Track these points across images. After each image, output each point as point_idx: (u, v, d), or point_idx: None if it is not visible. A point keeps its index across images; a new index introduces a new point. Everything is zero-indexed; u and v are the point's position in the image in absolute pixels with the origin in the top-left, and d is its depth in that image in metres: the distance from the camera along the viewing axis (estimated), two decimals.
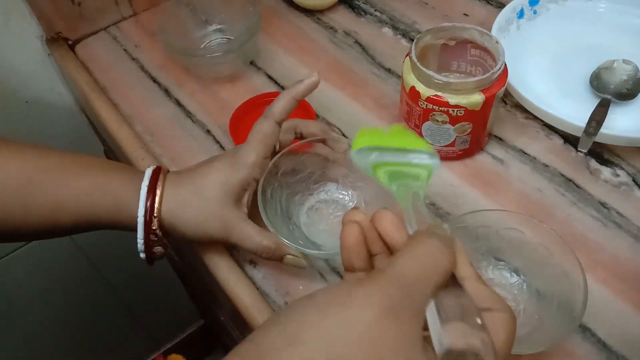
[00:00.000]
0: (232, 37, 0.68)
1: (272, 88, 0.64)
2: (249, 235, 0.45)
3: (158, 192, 0.44)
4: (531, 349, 0.39)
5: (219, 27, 0.69)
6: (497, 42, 0.50)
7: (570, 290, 0.42)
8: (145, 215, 0.44)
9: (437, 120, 0.51)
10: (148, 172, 0.46)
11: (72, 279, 0.98)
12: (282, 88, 0.64)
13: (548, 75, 0.61)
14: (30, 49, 0.70)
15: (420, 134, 0.53)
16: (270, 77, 0.65)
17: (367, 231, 0.32)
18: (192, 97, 0.64)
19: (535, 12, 0.66)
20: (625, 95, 0.57)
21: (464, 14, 0.70)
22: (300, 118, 0.50)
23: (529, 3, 0.65)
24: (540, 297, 0.45)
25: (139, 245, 0.46)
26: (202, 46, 0.68)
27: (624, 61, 0.59)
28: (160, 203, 0.44)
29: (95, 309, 1.08)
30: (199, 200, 0.45)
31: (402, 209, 0.34)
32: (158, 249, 0.46)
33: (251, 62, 0.67)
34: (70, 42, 0.71)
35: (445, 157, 0.54)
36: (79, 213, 0.45)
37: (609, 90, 0.57)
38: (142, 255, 0.47)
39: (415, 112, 0.52)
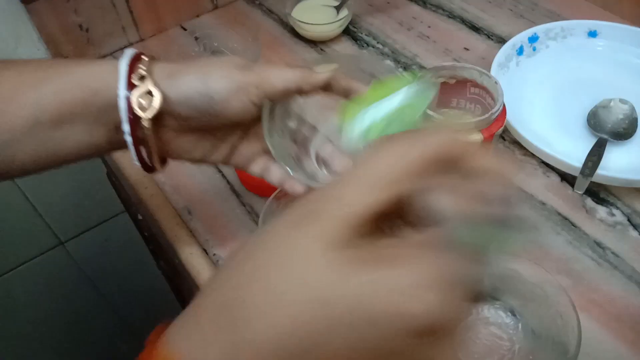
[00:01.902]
0: None
1: None
2: (273, 71, 0.38)
3: (141, 66, 0.38)
4: None
5: (221, 53, 0.70)
6: (496, 82, 0.52)
7: (565, 331, 0.43)
8: (127, 86, 0.37)
9: None
10: (127, 52, 0.39)
11: (70, 294, 0.99)
12: None
13: (546, 112, 0.62)
14: None
15: None
16: None
17: None
18: None
19: (534, 49, 0.67)
20: (621, 135, 0.58)
21: (465, 48, 0.72)
22: None
23: (528, 40, 0.67)
24: (535, 337, 0.45)
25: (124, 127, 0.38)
26: None
27: (621, 100, 0.60)
28: (146, 72, 0.37)
29: (90, 322, 1.08)
30: (199, 71, 0.38)
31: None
32: (146, 132, 0.38)
33: None
34: None
35: None
36: (39, 106, 0.37)
37: (606, 129, 0.58)
38: (134, 154, 0.40)
39: None
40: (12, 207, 0.82)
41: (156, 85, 0.37)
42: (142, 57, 0.39)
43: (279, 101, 0.40)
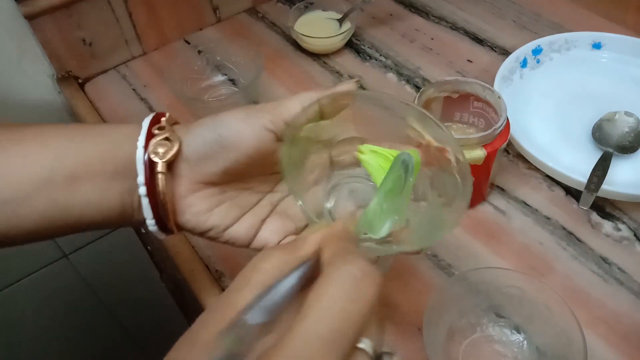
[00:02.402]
0: (235, 78, 0.69)
1: None
2: (289, 99, 0.38)
3: (162, 119, 0.38)
4: None
5: (223, 66, 0.71)
6: (499, 97, 0.51)
7: (570, 349, 0.42)
8: (145, 145, 0.37)
9: None
10: (146, 120, 0.39)
11: (73, 307, 0.98)
12: None
13: (550, 125, 0.62)
14: (41, 87, 0.72)
15: None
16: None
17: None
18: None
19: (538, 62, 0.67)
20: (627, 149, 0.57)
21: (468, 60, 0.71)
22: None
23: (532, 52, 0.66)
24: (540, 355, 0.45)
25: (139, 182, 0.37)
26: (203, 85, 0.69)
27: (626, 113, 0.60)
28: (166, 123, 0.38)
29: (93, 333, 1.08)
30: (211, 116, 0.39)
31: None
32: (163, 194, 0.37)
33: (254, 102, 0.68)
34: (80, 81, 0.73)
35: None
36: (55, 162, 0.37)
37: (611, 143, 0.58)
38: (152, 224, 0.38)
39: None
40: None
41: (174, 133, 0.37)
42: (165, 114, 0.39)
43: (298, 126, 0.38)
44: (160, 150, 0.37)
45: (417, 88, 0.68)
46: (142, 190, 0.37)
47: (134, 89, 0.72)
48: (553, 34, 0.68)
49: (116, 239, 0.94)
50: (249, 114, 0.37)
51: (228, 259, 0.53)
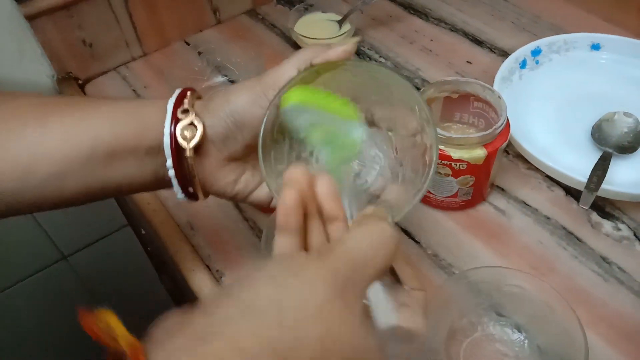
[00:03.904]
0: (235, 79, 0.69)
1: None
2: (285, 64, 0.40)
3: (185, 100, 0.41)
4: None
5: (224, 67, 0.71)
6: (499, 97, 0.51)
7: (572, 348, 0.42)
8: (173, 112, 0.40)
9: (440, 173, 0.51)
10: (170, 103, 0.41)
11: (72, 308, 0.98)
12: None
13: (550, 125, 0.62)
14: (41, 88, 0.72)
15: None
16: None
17: (306, 190, 0.31)
18: None
19: (537, 62, 0.67)
20: (626, 149, 0.57)
21: (467, 62, 0.72)
22: None
23: (531, 53, 0.66)
24: (541, 354, 0.45)
25: (165, 142, 0.39)
26: (204, 86, 0.69)
27: (625, 114, 0.60)
28: (188, 105, 0.40)
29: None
30: (223, 93, 0.41)
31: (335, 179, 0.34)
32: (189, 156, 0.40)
33: None
34: (80, 82, 0.73)
35: (447, 208, 0.55)
36: (96, 140, 0.39)
37: (610, 143, 0.58)
38: (171, 170, 0.40)
39: None
40: (16, 221, 0.81)
41: (197, 115, 0.40)
42: (188, 92, 0.41)
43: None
44: (187, 134, 0.39)
45: (417, 89, 0.67)
46: (171, 172, 0.40)
47: (134, 90, 0.72)
48: (552, 35, 0.68)
49: (115, 240, 0.94)
50: (255, 96, 0.39)
51: (228, 258, 0.53)
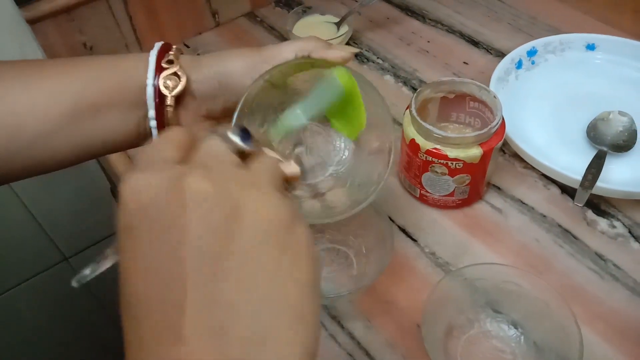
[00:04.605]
0: None
1: None
2: (286, 44, 0.41)
3: (170, 52, 0.41)
4: None
5: None
6: (494, 96, 0.52)
7: (567, 344, 0.43)
8: (156, 65, 0.40)
9: (437, 172, 0.52)
10: (152, 55, 0.41)
11: (74, 310, 0.99)
12: None
13: (546, 125, 0.63)
14: None
15: (420, 184, 0.54)
16: None
17: None
18: None
19: (533, 63, 0.68)
20: (621, 147, 0.58)
21: (464, 63, 0.72)
22: None
23: (527, 54, 0.67)
24: (538, 350, 0.45)
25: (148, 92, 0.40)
26: None
27: (620, 113, 0.60)
28: (173, 57, 0.41)
29: (94, 337, 1.08)
30: (218, 56, 0.42)
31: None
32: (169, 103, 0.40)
33: None
34: None
35: (444, 206, 0.56)
36: (79, 95, 0.39)
37: (605, 142, 0.58)
38: (153, 121, 0.41)
39: (415, 163, 0.53)
40: (17, 223, 0.82)
41: (182, 67, 0.40)
42: (173, 46, 0.42)
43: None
44: (170, 83, 0.40)
45: (414, 90, 0.69)
46: (153, 123, 0.41)
47: None
48: (548, 36, 0.69)
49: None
50: (252, 65, 0.40)
51: None
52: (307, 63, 0.40)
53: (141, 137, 0.42)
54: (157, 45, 0.42)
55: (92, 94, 0.39)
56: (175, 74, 0.40)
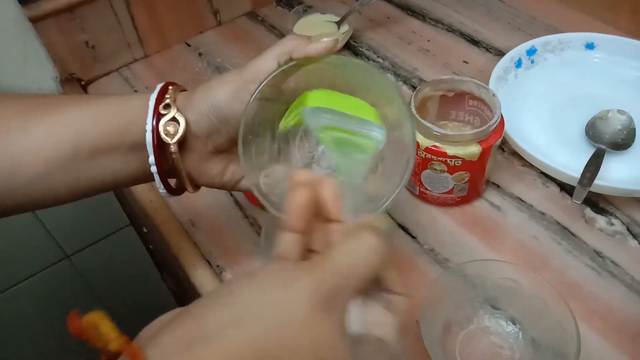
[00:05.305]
0: None
1: None
2: (264, 56, 0.40)
3: (167, 96, 0.41)
4: None
5: (224, 68, 0.72)
6: (493, 95, 0.52)
7: (565, 340, 0.43)
8: (154, 110, 0.39)
9: (436, 169, 0.52)
10: (152, 99, 0.41)
11: (75, 308, 0.99)
12: None
13: (545, 123, 0.63)
14: (44, 89, 0.73)
15: (420, 181, 0.55)
16: None
17: (312, 192, 0.32)
18: None
19: (532, 62, 0.68)
20: (619, 145, 0.58)
21: (464, 61, 0.73)
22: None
23: (526, 53, 0.68)
24: (535, 346, 0.46)
25: (147, 139, 0.39)
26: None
27: (619, 111, 0.61)
28: (170, 100, 0.40)
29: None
30: (204, 87, 0.41)
31: (342, 179, 0.34)
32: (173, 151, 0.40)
33: None
34: (83, 83, 0.74)
35: (443, 204, 0.56)
36: (79, 137, 0.39)
37: (604, 140, 0.59)
38: (155, 172, 0.41)
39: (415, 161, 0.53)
40: (19, 220, 0.82)
41: (179, 110, 0.40)
42: (170, 87, 0.41)
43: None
44: (170, 129, 0.40)
45: (414, 88, 0.69)
46: (154, 169, 0.41)
47: (136, 91, 0.73)
48: (547, 35, 0.69)
49: (118, 240, 0.95)
50: (237, 89, 0.40)
51: (229, 255, 0.54)
52: (293, 66, 0.39)
53: (147, 178, 0.42)
54: (157, 87, 0.41)
55: (92, 136, 0.39)
56: (174, 118, 0.40)
